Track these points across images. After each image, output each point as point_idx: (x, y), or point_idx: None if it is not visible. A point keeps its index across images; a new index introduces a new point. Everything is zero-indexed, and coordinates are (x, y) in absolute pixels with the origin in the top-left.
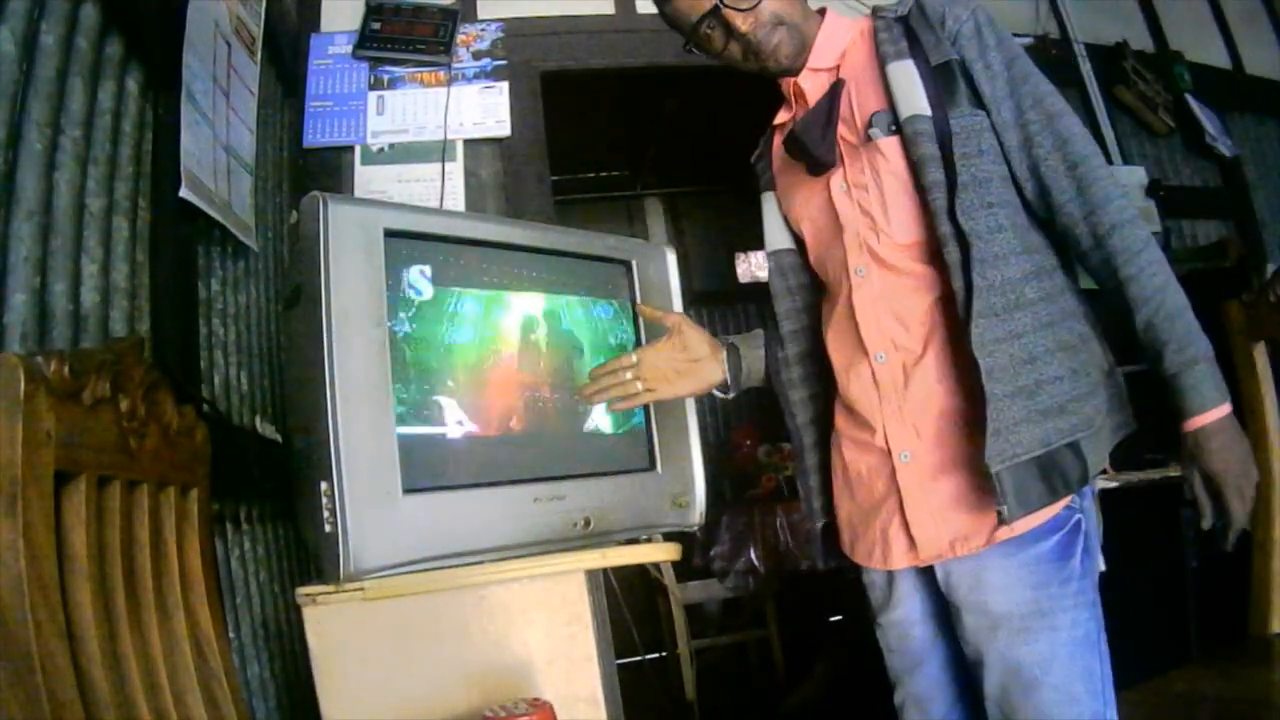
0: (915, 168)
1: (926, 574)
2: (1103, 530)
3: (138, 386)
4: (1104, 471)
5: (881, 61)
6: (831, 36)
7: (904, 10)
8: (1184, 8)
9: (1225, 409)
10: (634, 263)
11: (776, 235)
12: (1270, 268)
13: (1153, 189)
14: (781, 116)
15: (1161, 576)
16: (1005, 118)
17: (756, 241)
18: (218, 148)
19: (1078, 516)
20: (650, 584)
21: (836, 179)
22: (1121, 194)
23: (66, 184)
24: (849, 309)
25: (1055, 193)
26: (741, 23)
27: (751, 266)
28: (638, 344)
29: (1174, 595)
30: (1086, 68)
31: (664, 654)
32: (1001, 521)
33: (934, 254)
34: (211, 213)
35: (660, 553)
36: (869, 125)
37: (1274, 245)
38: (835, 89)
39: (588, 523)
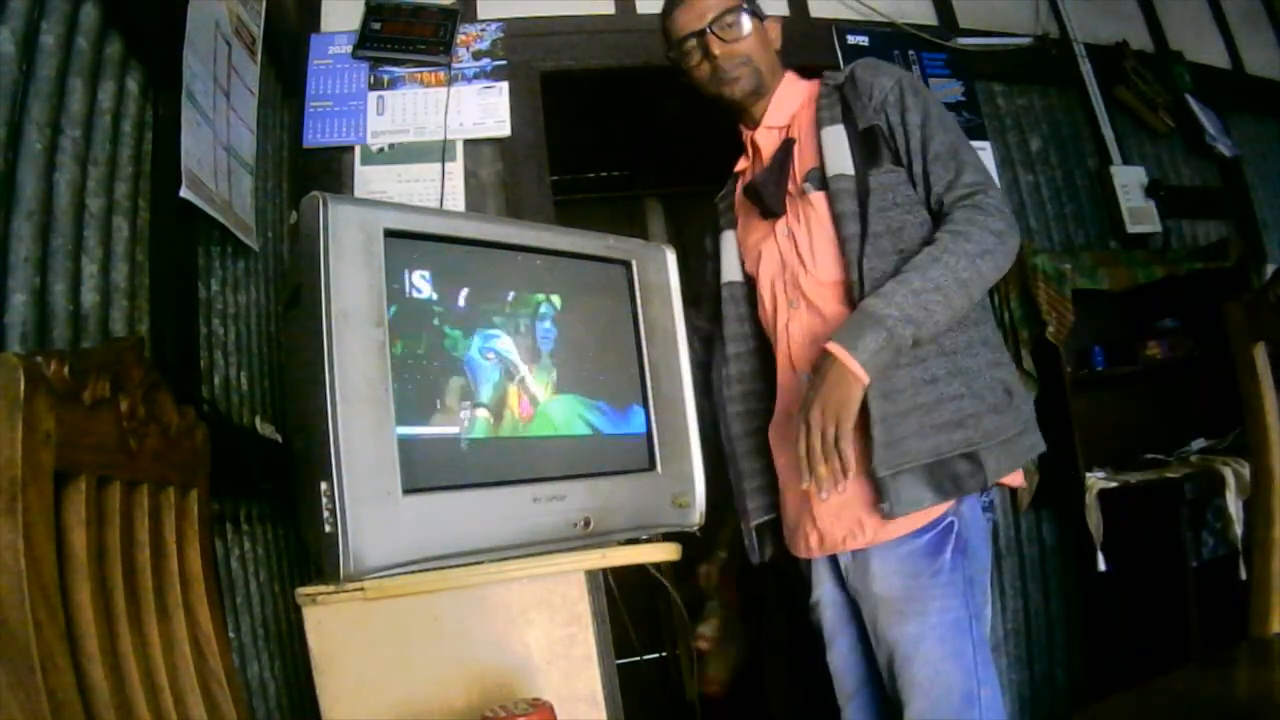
0: (836, 221)
1: (834, 565)
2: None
3: (138, 386)
4: (1013, 483)
5: (818, 125)
6: (785, 98)
7: (840, 80)
8: (1184, 8)
9: (857, 367)
10: (634, 263)
11: (732, 268)
12: (1270, 268)
13: (1153, 189)
14: (740, 165)
15: (1161, 576)
16: (917, 170)
17: None
18: (218, 147)
19: (950, 519)
20: (650, 584)
21: (781, 224)
22: (998, 205)
23: (66, 184)
24: (786, 334)
25: (933, 197)
26: (718, 48)
27: None
28: (637, 344)
29: (1174, 595)
30: (1086, 68)
31: (664, 654)
32: (885, 517)
33: (848, 291)
34: (212, 212)
35: (660, 553)
36: (805, 179)
37: (1274, 245)
38: (788, 147)
39: (588, 523)
